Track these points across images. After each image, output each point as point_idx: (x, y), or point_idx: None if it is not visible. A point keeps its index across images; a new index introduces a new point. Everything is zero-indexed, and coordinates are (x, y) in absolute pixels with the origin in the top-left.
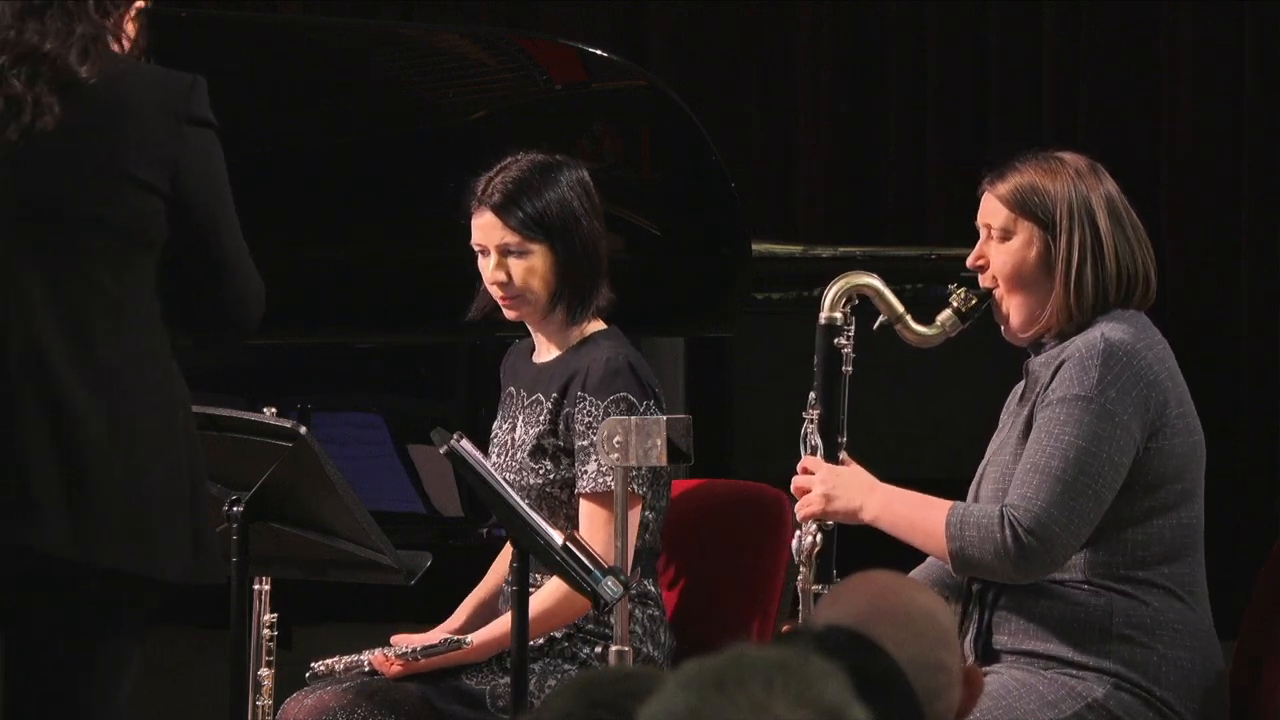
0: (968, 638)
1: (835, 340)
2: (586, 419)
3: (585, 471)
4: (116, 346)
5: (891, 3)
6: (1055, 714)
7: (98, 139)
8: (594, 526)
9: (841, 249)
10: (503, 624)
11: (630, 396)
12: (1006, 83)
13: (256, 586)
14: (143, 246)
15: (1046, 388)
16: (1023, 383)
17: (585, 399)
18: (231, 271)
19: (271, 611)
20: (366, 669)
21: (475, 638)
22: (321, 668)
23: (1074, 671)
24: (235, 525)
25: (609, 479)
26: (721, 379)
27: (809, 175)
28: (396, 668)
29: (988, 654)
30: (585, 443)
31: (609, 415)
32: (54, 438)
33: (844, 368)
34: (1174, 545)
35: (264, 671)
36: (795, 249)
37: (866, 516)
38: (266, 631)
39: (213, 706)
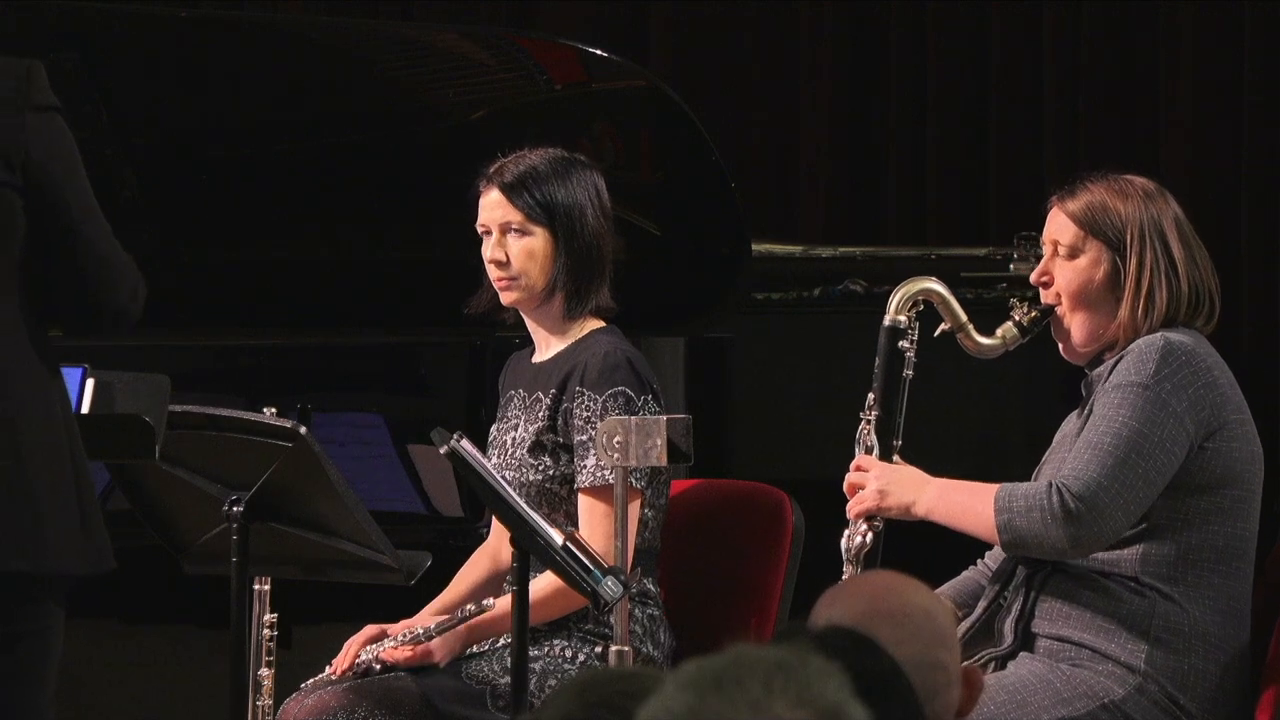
0: (1009, 619)
1: (899, 344)
2: (585, 413)
3: (584, 466)
4: None
5: (892, 2)
6: (1069, 711)
7: None
8: (593, 521)
9: (841, 249)
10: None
11: (628, 391)
12: (1007, 82)
13: (256, 586)
14: (1, 242)
15: (1105, 382)
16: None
17: (583, 393)
18: (94, 255)
19: (271, 611)
20: (378, 669)
21: (499, 603)
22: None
23: (1101, 666)
24: (235, 525)
25: (607, 473)
26: (721, 379)
27: (809, 175)
28: (406, 653)
29: (1026, 637)
30: (584, 437)
31: (607, 409)
32: None
33: (905, 371)
34: (1225, 553)
35: (264, 671)
36: (795, 249)
37: (920, 511)
38: (266, 631)
39: (213, 706)
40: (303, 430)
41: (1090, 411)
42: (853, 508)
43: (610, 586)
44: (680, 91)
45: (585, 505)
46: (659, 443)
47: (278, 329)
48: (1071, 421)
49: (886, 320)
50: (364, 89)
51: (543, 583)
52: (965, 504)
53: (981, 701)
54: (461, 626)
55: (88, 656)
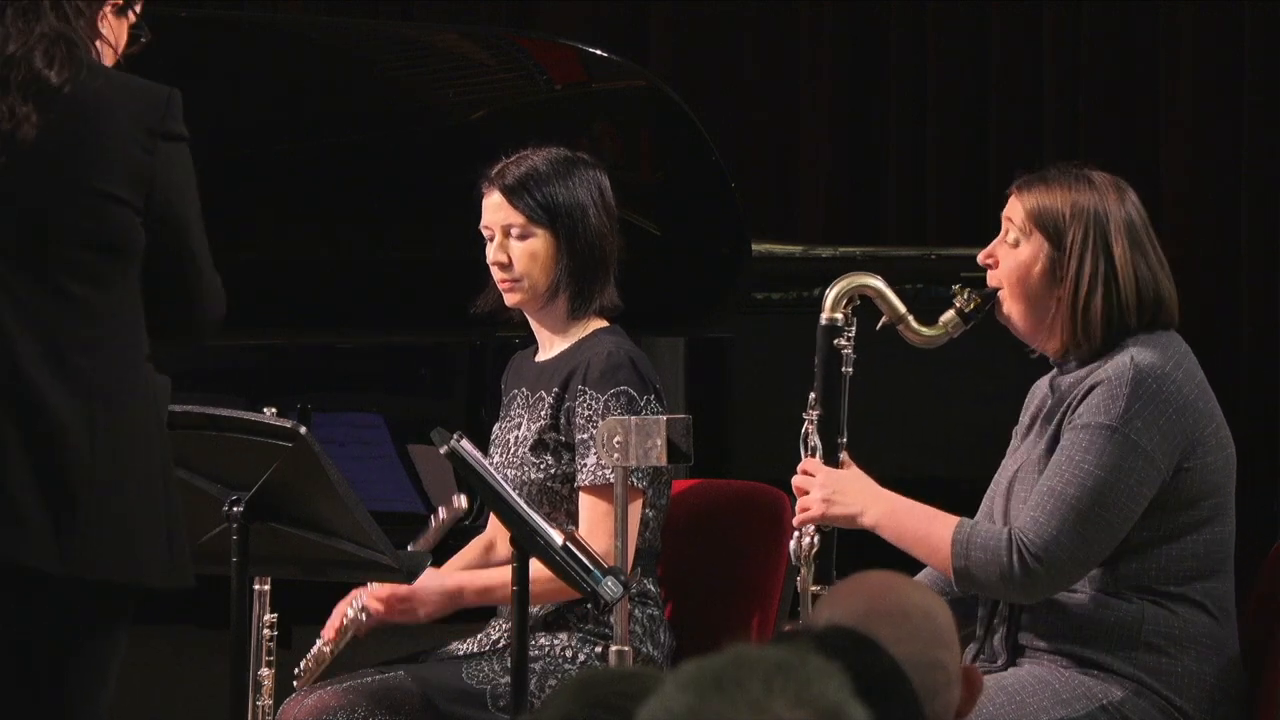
0: (997, 636)
1: (835, 341)
2: (586, 412)
3: (585, 465)
4: (96, 358)
5: (892, 2)
6: (1068, 712)
7: (77, 154)
8: (593, 520)
9: (841, 249)
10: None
11: (630, 390)
12: (1007, 82)
13: (256, 586)
14: (121, 257)
15: (1074, 409)
16: (1041, 396)
17: (586, 392)
18: (200, 276)
19: (271, 611)
20: (364, 618)
21: (490, 573)
22: (303, 670)
23: (1097, 672)
24: (235, 525)
25: (608, 472)
26: (721, 379)
27: (809, 175)
28: (386, 590)
29: (1016, 651)
30: (585, 436)
31: (609, 409)
32: (37, 453)
33: (844, 368)
34: (1206, 561)
35: (264, 671)
36: (795, 249)
37: (867, 522)
38: (266, 631)
39: (213, 706)
40: (303, 430)
41: (1058, 435)
42: (797, 517)
43: (610, 586)
44: (680, 91)
45: (586, 504)
46: (659, 443)
47: (278, 329)
48: (1038, 422)
49: (823, 319)
50: (364, 89)
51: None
52: (918, 531)
53: (980, 703)
54: (450, 583)
55: None
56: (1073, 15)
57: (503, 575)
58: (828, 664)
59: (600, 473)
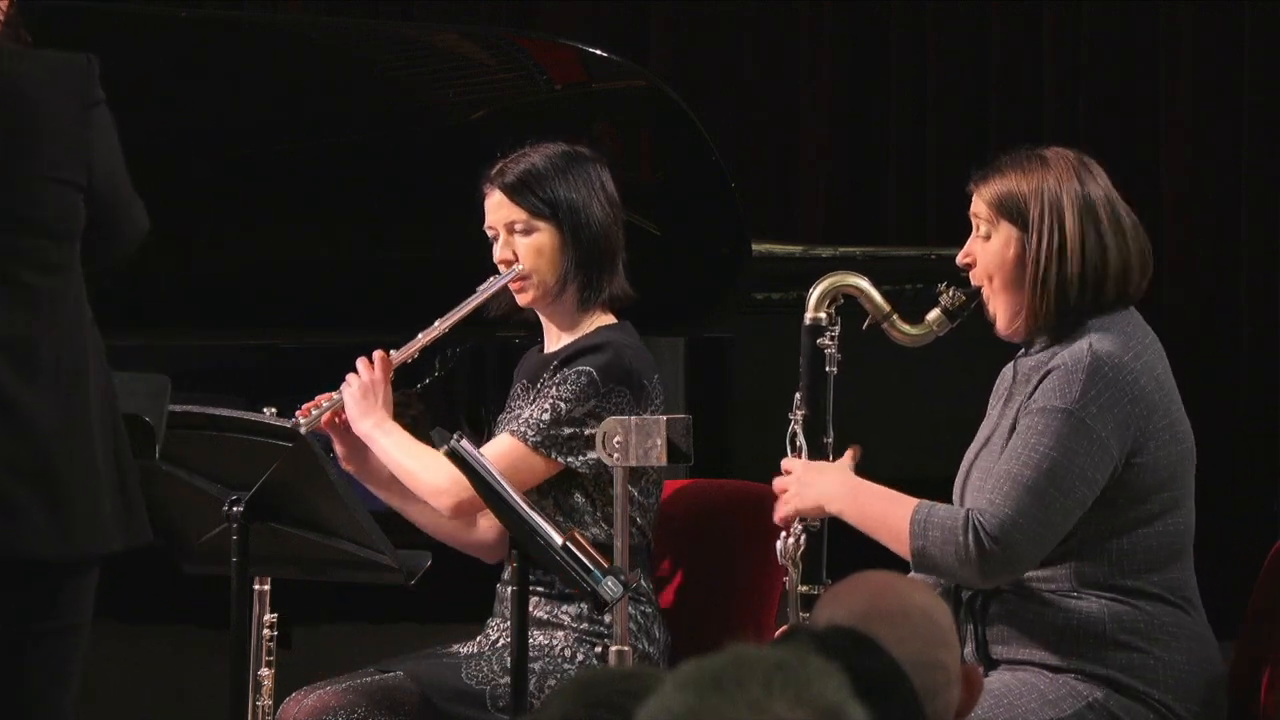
0: (967, 649)
1: (819, 341)
2: (552, 379)
3: (520, 415)
4: (54, 344)
5: (892, 2)
6: (1056, 712)
7: (18, 144)
8: (497, 464)
9: (841, 249)
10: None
11: (594, 374)
12: (1007, 82)
13: (256, 586)
14: (69, 240)
15: (1031, 396)
16: (1009, 380)
17: (560, 366)
18: (128, 216)
19: (271, 611)
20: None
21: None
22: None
23: (1074, 675)
24: (235, 525)
25: (530, 434)
26: (721, 379)
27: (809, 175)
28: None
29: (990, 664)
30: (536, 394)
31: (565, 381)
32: (13, 447)
33: (828, 368)
34: (1161, 553)
35: (264, 671)
36: (795, 249)
37: (833, 509)
38: (266, 631)
39: (213, 706)
40: (303, 430)
41: (1017, 419)
42: (776, 512)
43: (610, 586)
44: (680, 91)
45: (499, 445)
46: (659, 442)
47: (278, 329)
48: (999, 403)
49: (806, 318)
50: (364, 89)
51: (421, 463)
52: (880, 513)
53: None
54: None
55: (87, 656)
56: (1073, 15)
57: (413, 454)
58: (827, 664)
59: (523, 429)
